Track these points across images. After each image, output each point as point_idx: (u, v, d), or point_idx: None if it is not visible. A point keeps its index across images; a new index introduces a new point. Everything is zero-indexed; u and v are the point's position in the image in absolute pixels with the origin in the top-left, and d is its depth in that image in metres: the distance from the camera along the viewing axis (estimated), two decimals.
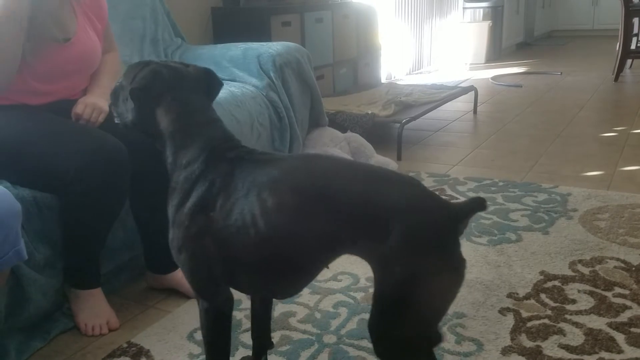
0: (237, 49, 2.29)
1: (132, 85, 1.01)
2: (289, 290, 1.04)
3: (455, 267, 0.88)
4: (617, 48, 4.59)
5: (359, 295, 1.53)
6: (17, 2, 1.28)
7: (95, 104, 1.45)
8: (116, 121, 1.10)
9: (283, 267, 0.95)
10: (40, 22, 1.38)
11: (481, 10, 5.92)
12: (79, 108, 1.45)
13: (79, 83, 1.54)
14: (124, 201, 1.41)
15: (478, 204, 0.88)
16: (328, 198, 0.87)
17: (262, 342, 1.22)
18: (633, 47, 4.76)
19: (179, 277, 1.56)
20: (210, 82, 1.08)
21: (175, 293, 1.58)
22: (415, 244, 0.84)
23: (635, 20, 4.85)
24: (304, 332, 1.38)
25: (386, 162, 2.46)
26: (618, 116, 3.46)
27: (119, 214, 1.42)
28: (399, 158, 2.75)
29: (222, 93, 2.01)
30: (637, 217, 1.92)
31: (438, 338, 0.98)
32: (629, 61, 4.98)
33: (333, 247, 0.91)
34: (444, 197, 2.21)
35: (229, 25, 2.90)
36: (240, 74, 2.21)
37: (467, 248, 1.77)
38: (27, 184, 1.32)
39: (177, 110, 1.01)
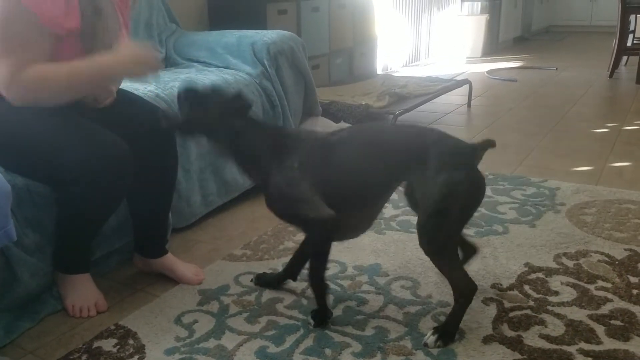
0: (231, 36, 2.29)
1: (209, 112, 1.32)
2: (364, 224, 1.39)
3: (477, 182, 1.23)
4: (613, 45, 4.60)
5: (346, 283, 1.55)
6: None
7: (106, 86, 1.43)
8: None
9: (363, 197, 1.30)
10: (106, 40, 1.35)
11: (479, 3, 5.91)
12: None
13: None
14: (123, 198, 1.41)
15: (489, 142, 1.25)
16: (384, 145, 1.26)
17: (289, 273, 1.52)
18: (629, 44, 4.78)
19: (168, 262, 1.58)
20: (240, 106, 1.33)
21: (163, 278, 1.59)
22: (447, 162, 1.19)
23: (632, 17, 4.87)
24: (290, 317, 1.39)
25: None
26: (611, 112, 3.48)
27: (115, 210, 1.42)
28: None
29: (215, 80, 2.02)
30: (623, 212, 1.94)
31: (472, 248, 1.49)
32: (624, 58, 5.00)
33: (395, 175, 1.27)
34: None
35: (225, 12, 2.89)
36: (234, 62, 2.21)
37: None
38: (25, 175, 1.32)
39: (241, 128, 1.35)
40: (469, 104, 3.71)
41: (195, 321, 1.39)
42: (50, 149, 1.28)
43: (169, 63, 2.34)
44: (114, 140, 1.31)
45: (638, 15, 5.07)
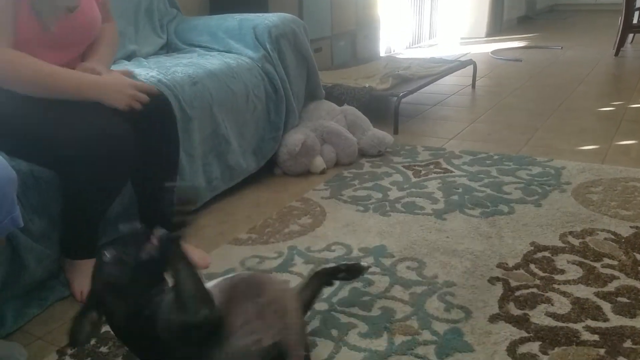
0: (233, 20, 2.27)
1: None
2: None
3: None
4: (619, 23, 4.54)
5: None
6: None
7: (94, 69, 1.43)
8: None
9: None
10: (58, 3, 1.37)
11: None
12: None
13: (78, 54, 1.53)
14: (126, 181, 1.41)
15: None
16: None
17: None
18: (635, 21, 4.71)
19: None
20: None
21: None
22: None
23: None
24: None
25: (383, 135, 2.46)
26: (617, 91, 3.45)
27: (120, 192, 1.42)
28: (395, 132, 2.75)
29: (218, 64, 2.01)
30: (629, 190, 1.93)
31: None
32: (630, 36, 4.93)
33: None
34: (438, 170, 2.23)
35: None
36: (236, 46, 2.20)
37: (459, 220, 1.78)
38: (27, 158, 1.32)
39: None
40: (473, 85, 3.68)
41: None
42: (51, 130, 1.29)
43: (170, 48, 2.32)
44: (115, 119, 1.33)
45: None
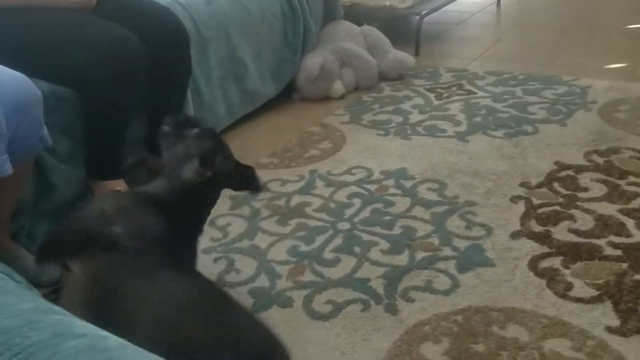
0: None
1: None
2: None
3: None
4: None
5: (373, 187, 1.56)
6: None
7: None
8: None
9: None
10: None
11: None
12: None
13: None
14: (142, 93, 1.41)
15: None
16: None
17: None
18: None
19: None
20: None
21: None
22: None
23: None
24: (319, 219, 1.43)
25: (404, 57, 2.39)
26: None
27: (137, 107, 1.42)
28: (416, 53, 2.66)
29: None
30: None
31: None
32: None
33: None
34: (461, 92, 2.18)
35: None
36: None
37: (482, 141, 1.76)
38: (46, 78, 1.32)
39: None
40: (498, 3, 3.51)
41: (229, 224, 1.43)
42: (66, 46, 1.29)
43: None
44: (127, 34, 1.32)
45: None
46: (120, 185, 1.47)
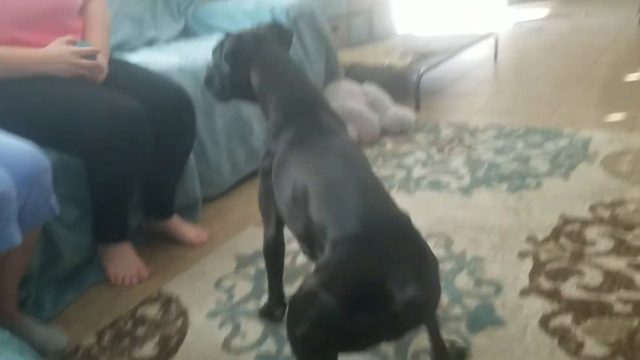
0: (249, 2, 2.26)
1: (224, 52, 1.16)
2: None
3: None
4: None
5: None
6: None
7: (99, 65, 1.43)
8: (215, 97, 1.25)
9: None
10: None
11: None
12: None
13: (57, 30, 1.45)
14: (147, 160, 1.43)
15: None
16: None
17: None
18: None
19: (173, 224, 1.65)
20: (281, 34, 1.22)
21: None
22: None
23: None
24: None
25: (404, 113, 2.44)
26: None
27: (143, 173, 1.45)
28: (417, 109, 2.72)
29: None
30: None
31: None
32: None
33: None
34: (462, 146, 2.21)
35: None
36: None
37: (486, 195, 1.77)
38: (55, 147, 1.34)
39: (261, 69, 1.15)
40: (495, 58, 3.62)
41: (234, 285, 1.42)
42: (71, 115, 1.32)
43: (189, 33, 2.33)
44: (133, 105, 1.34)
45: None
46: (126, 248, 1.48)
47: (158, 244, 1.66)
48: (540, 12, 5.32)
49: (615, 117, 2.36)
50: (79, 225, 1.40)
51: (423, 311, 0.84)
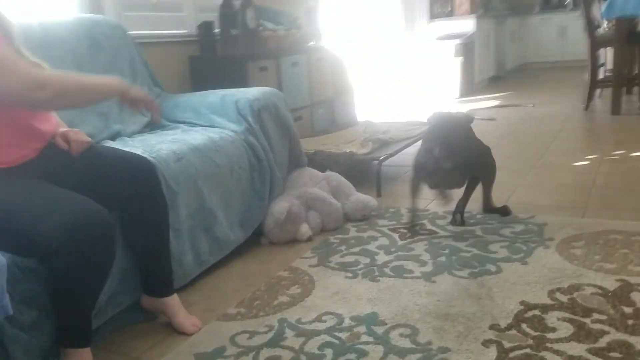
0: (215, 95, 2.34)
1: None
2: None
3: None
4: (586, 78, 4.76)
5: (344, 335, 1.53)
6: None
7: (83, 141, 1.54)
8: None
9: None
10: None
11: (453, 47, 6.12)
12: (62, 144, 1.53)
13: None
14: (112, 263, 1.39)
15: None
16: None
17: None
18: (601, 76, 4.95)
19: (171, 305, 1.65)
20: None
21: (158, 344, 1.57)
22: None
23: (601, 51, 5.06)
24: None
25: (366, 199, 2.50)
26: (590, 144, 3.57)
27: (108, 276, 1.40)
28: (378, 195, 2.79)
29: (201, 139, 2.05)
30: (611, 243, 1.97)
31: None
32: (597, 90, 5.16)
33: None
34: (423, 231, 2.26)
35: (207, 73, 2.96)
36: (219, 120, 2.25)
37: (449, 282, 1.79)
38: (11, 251, 1.30)
39: None
40: None
41: None
42: (29, 222, 1.27)
43: (154, 126, 2.37)
44: (94, 208, 1.32)
45: (607, 49, 5.26)
46: (86, 354, 1.40)
47: (114, 345, 1.59)
48: (491, 102, 5.66)
49: (567, 202, 2.47)
50: (35, 328, 1.32)
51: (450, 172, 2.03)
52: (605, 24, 5.14)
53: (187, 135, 2.09)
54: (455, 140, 2.02)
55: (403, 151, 3.11)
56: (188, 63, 3.02)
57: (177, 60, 2.99)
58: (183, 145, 1.96)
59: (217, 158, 2.03)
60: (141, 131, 2.31)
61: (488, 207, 2.25)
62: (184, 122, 2.32)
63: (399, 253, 2.06)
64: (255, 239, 2.26)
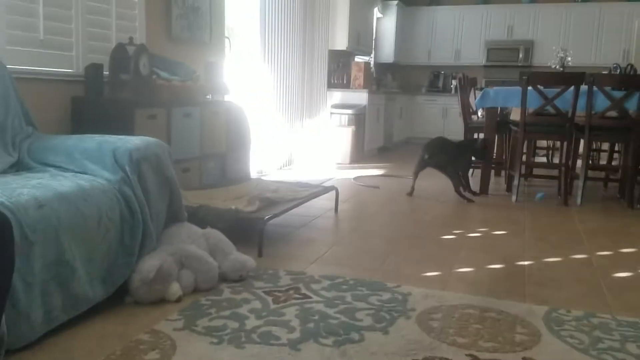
0: (92, 141, 2.25)
1: None
2: None
3: None
4: None
5: None
6: None
7: None
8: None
9: None
10: None
11: (346, 116, 6.46)
12: None
13: None
14: (13, 266, 1.26)
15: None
16: None
17: None
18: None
19: None
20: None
21: None
22: None
23: (476, 134, 5.58)
24: None
25: (245, 259, 2.47)
26: (459, 220, 3.86)
27: (10, 280, 1.26)
28: (259, 255, 2.78)
29: (69, 186, 1.94)
30: (466, 317, 2.11)
31: None
32: (470, 171, 5.63)
33: None
34: (297, 295, 2.27)
35: (90, 116, 2.85)
36: (93, 167, 2.15)
37: (313, 350, 1.80)
38: None
39: None
40: (336, 209, 3.91)
41: None
42: None
43: (21, 167, 2.22)
44: None
45: (480, 133, 5.81)
46: None
47: None
48: (377, 171, 5.98)
49: (431, 274, 2.63)
50: None
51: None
52: (480, 112, 5.71)
53: (54, 181, 1.96)
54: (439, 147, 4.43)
55: (291, 211, 3.15)
56: (70, 103, 2.89)
57: (58, 100, 2.84)
58: (48, 192, 1.84)
59: (84, 207, 1.92)
60: (5, 171, 2.14)
61: (456, 191, 4.47)
62: (53, 166, 2.19)
63: (270, 318, 2.05)
64: (120, 297, 2.13)
